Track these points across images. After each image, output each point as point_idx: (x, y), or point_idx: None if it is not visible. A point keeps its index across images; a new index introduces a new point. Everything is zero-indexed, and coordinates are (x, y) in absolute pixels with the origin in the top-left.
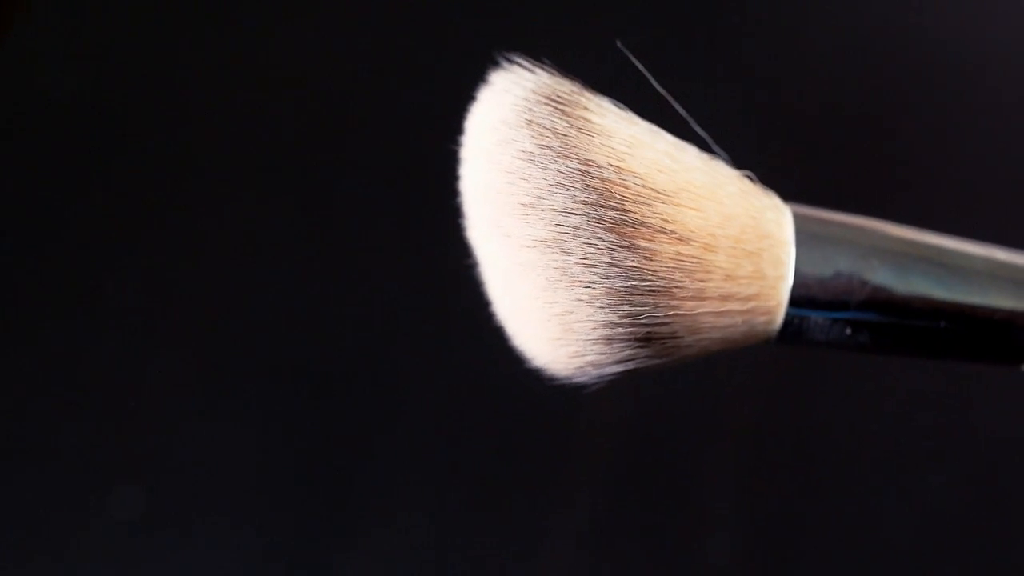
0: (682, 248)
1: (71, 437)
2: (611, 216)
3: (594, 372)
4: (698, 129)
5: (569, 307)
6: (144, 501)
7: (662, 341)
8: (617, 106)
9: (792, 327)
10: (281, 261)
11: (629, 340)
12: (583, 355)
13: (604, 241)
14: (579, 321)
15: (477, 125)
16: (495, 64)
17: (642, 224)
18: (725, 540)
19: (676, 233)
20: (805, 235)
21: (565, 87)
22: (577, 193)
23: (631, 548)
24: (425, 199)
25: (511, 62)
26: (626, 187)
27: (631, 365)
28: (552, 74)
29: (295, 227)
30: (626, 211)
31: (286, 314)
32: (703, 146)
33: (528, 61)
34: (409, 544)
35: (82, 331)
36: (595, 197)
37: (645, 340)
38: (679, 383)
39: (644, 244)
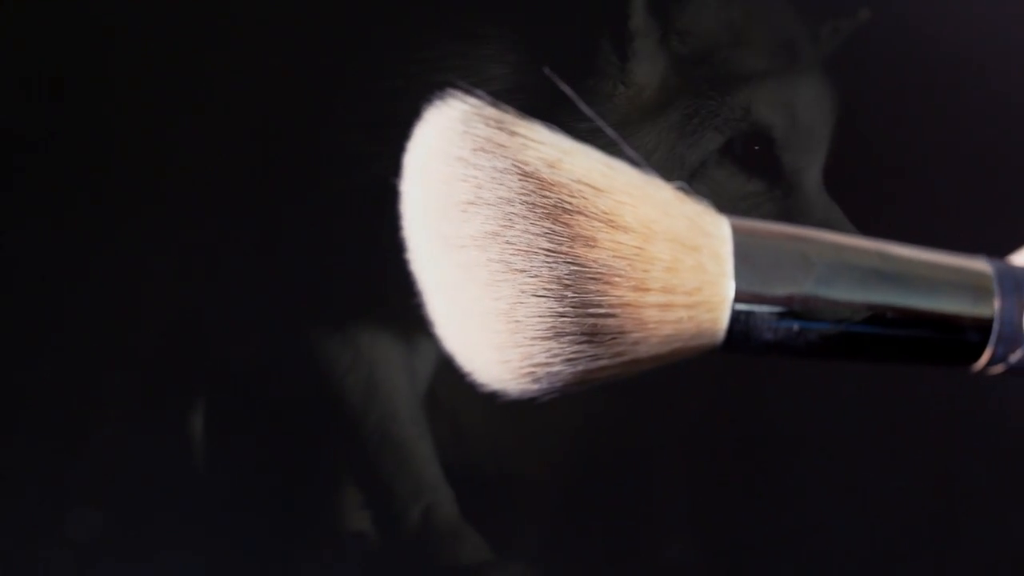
0: (622, 237)
1: (26, 458)
2: (549, 203)
3: (544, 377)
4: (628, 151)
5: (514, 300)
6: (101, 523)
7: (610, 337)
8: (551, 129)
9: (739, 324)
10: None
11: (575, 334)
12: (531, 357)
13: (544, 228)
14: (525, 315)
15: (415, 146)
16: (432, 97)
17: (580, 213)
18: (680, 546)
19: (615, 223)
20: (745, 238)
21: (499, 111)
22: (514, 184)
23: (587, 556)
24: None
25: (447, 94)
26: (562, 181)
27: (580, 366)
28: (487, 101)
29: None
30: (563, 199)
31: (241, 332)
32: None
33: (463, 92)
34: (360, 557)
35: (36, 350)
36: (532, 186)
37: (592, 334)
38: (629, 390)
39: (584, 232)
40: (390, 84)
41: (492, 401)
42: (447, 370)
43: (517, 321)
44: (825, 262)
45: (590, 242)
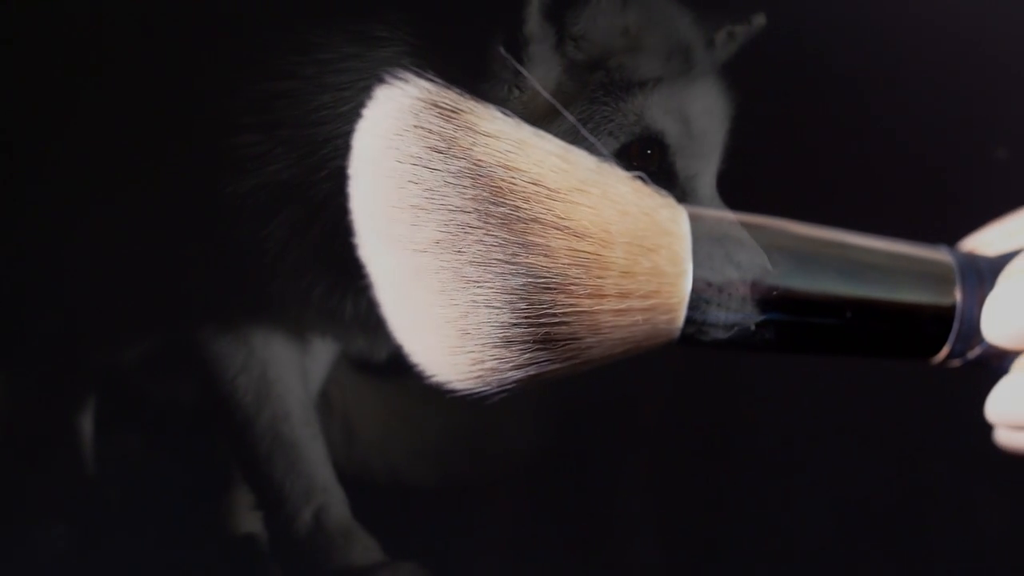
0: (577, 244)
1: None
2: (503, 212)
3: (495, 380)
4: (588, 136)
5: (465, 309)
6: (68, 537)
7: (563, 343)
8: (504, 113)
9: (695, 325)
10: (123, 277)
11: (528, 342)
12: (482, 361)
13: (496, 238)
14: (476, 324)
15: (364, 135)
16: (380, 78)
17: (535, 220)
18: (643, 544)
19: (571, 229)
20: (703, 232)
21: (450, 95)
22: (467, 190)
23: (550, 555)
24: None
25: (396, 76)
26: (516, 184)
27: (533, 370)
28: (437, 84)
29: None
30: (518, 207)
31: (132, 331)
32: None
33: (413, 74)
34: (251, 559)
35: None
36: (485, 194)
37: (544, 341)
38: (590, 385)
39: (538, 240)
40: (285, 86)
41: (383, 403)
42: (340, 371)
43: (467, 331)
44: (784, 255)
45: (545, 251)
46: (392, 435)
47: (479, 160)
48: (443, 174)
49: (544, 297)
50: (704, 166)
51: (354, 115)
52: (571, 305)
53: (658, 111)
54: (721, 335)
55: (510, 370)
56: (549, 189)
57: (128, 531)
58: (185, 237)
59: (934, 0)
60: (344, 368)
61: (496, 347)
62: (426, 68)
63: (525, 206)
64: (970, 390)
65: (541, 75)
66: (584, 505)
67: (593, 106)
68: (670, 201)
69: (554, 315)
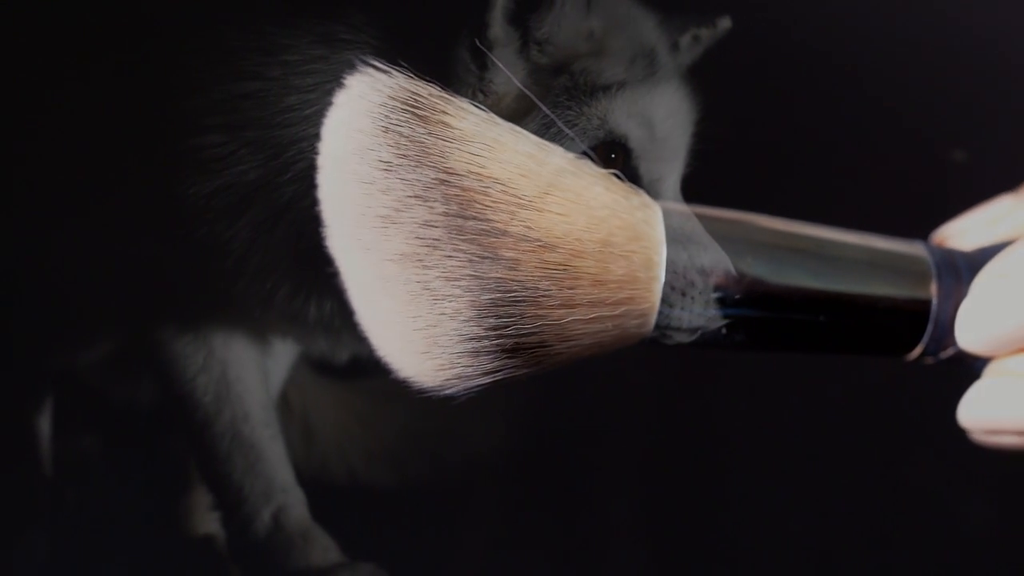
0: (548, 256)
1: None
2: (472, 227)
3: (462, 384)
4: (565, 129)
5: (432, 321)
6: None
7: (531, 350)
8: (478, 107)
9: (666, 327)
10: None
11: (496, 352)
12: (449, 368)
13: (466, 253)
14: (443, 335)
15: (334, 132)
16: (351, 66)
17: (505, 233)
18: (629, 547)
19: (541, 240)
20: (677, 233)
21: (423, 90)
22: (436, 205)
23: (510, 556)
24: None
25: (367, 64)
26: (487, 195)
27: (501, 375)
28: (410, 77)
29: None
30: (488, 220)
31: (90, 332)
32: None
33: (384, 63)
34: (210, 560)
35: None
36: (455, 208)
37: (513, 351)
38: (576, 387)
39: (508, 254)
40: (251, 87)
41: (342, 406)
42: (299, 373)
43: (435, 342)
44: (761, 260)
45: (514, 264)
46: (351, 437)
47: (450, 169)
48: (413, 184)
49: (513, 310)
50: (668, 170)
51: (319, 117)
52: (541, 316)
53: (622, 115)
54: (690, 337)
55: (478, 376)
56: (519, 198)
57: (85, 532)
58: (147, 237)
59: (896, 4)
60: (303, 370)
61: (463, 356)
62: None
63: (496, 218)
64: (953, 388)
65: (505, 79)
66: (546, 507)
67: (557, 111)
68: (645, 200)
69: (523, 327)
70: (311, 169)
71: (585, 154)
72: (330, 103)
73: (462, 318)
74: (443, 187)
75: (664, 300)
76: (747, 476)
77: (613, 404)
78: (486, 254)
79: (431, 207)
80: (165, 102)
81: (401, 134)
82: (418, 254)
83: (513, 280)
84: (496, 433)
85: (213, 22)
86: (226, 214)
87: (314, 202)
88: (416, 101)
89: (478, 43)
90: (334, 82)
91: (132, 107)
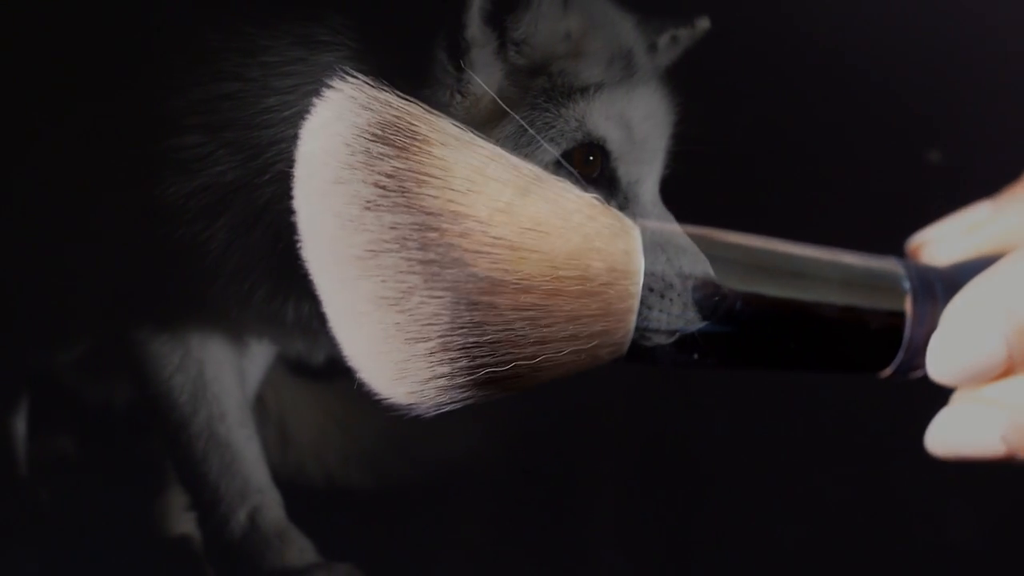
0: (524, 298)
1: None
2: (450, 275)
3: (433, 408)
4: (539, 138)
5: (404, 356)
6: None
7: (502, 382)
8: (457, 127)
9: (639, 354)
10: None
11: (467, 386)
12: (420, 394)
13: (441, 300)
14: (415, 370)
15: (310, 159)
16: (330, 69)
17: (482, 278)
18: (608, 549)
19: (518, 284)
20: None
21: (403, 113)
22: (414, 253)
23: (514, 561)
24: None
25: (346, 77)
26: (465, 237)
27: (471, 401)
28: (389, 94)
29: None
30: (465, 265)
31: (66, 331)
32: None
33: (364, 79)
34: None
35: None
36: (432, 256)
37: (484, 383)
38: (555, 389)
39: (484, 299)
40: (230, 87)
41: (319, 407)
42: (276, 374)
43: (406, 373)
44: (736, 278)
45: (490, 307)
46: (327, 439)
47: (428, 210)
48: (390, 229)
49: (487, 351)
50: (646, 172)
51: (298, 119)
52: (514, 355)
53: (600, 117)
54: (669, 339)
55: (448, 403)
56: (497, 240)
57: (60, 532)
58: (125, 237)
59: (872, 4)
60: (280, 371)
61: (435, 388)
62: (368, 73)
63: (474, 264)
64: (939, 394)
65: (482, 80)
66: (524, 509)
67: (535, 112)
68: (624, 224)
69: (496, 367)
70: (290, 171)
71: (564, 156)
72: (309, 106)
73: (435, 359)
74: (420, 232)
75: (642, 302)
76: (729, 478)
77: (593, 406)
78: (462, 300)
79: (408, 255)
80: (144, 102)
81: (381, 172)
82: (392, 298)
83: (488, 324)
84: (474, 435)
85: (193, 22)
86: (204, 215)
87: (292, 206)
88: (396, 127)
89: (454, 44)
90: (313, 84)
91: (111, 107)
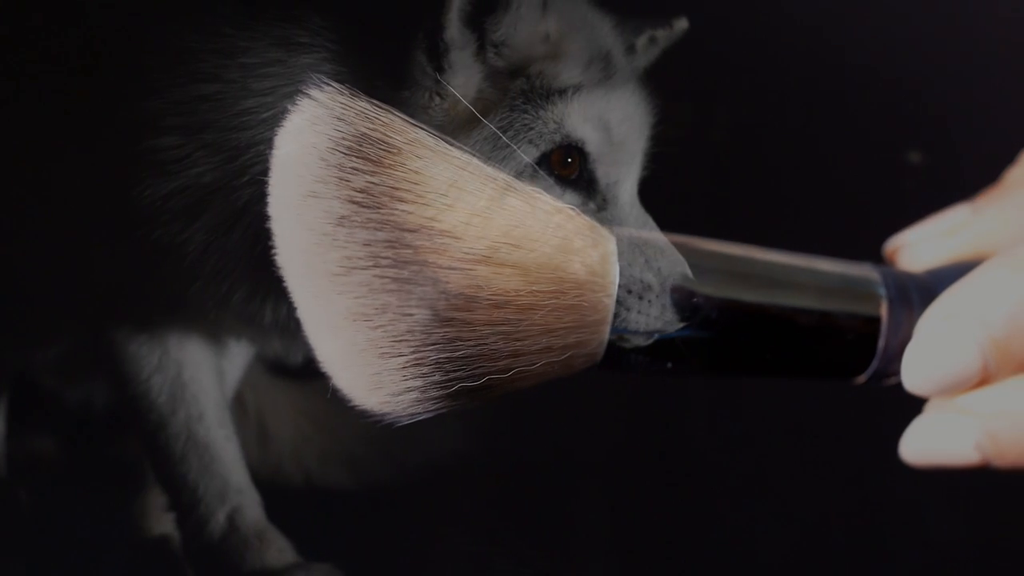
0: (498, 313)
1: None
2: (423, 292)
3: (407, 418)
4: (523, 155)
5: (378, 369)
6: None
7: (476, 393)
8: (432, 136)
9: (613, 363)
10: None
11: (441, 397)
12: (395, 406)
13: (415, 317)
14: (389, 383)
15: (284, 172)
16: (308, 71)
17: (456, 295)
18: (592, 550)
19: (492, 299)
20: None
21: (378, 124)
22: (387, 271)
23: (496, 561)
24: None
25: (322, 87)
26: (439, 253)
27: (445, 410)
28: (365, 103)
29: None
30: (439, 283)
31: (44, 332)
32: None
33: (338, 87)
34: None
35: None
36: (407, 274)
37: (458, 395)
38: (539, 390)
39: (458, 315)
40: (209, 89)
41: (298, 407)
42: (254, 374)
43: (380, 384)
44: (711, 287)
45: (464, 323)
46: (306, 439)
47: (403, 227)
48: (365, 247)
49: (461, 365)
50: (625, 173)
51: (277, 121)
52: (488, 369)
53: (578, 119)
54: (647, 340)
55: (422, 412)
56: (472, 256)
57: (39, 533)
58: (103, 238)
59: (851, 6)
60: (258, 371)
61: (409, 400)
62: (347, 75)
63: (448, 281)
64: (914, 403)
65: (462, 82)
66: (506, 509)
67: (513, 114)
68: (600, 235)
69: (470, 380)
70: (268, 172)
71: (542, 157)
72: (287, 108)
73: (408, 373)
74: (394, 249)
75: (620, 303)
76: (716, 481)
77: (577, 408)
78: (435, 317)
79: (382, 272)
80: (123, 103)
81: (355, 188)
82: (366, 315)
83: (462, 339)
84: (454, 436)
85: (171, 23)
86: (182, 216)
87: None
88: (370, 139)
89: (433, 45)
90: (292, 86)
91: (89, 107)
